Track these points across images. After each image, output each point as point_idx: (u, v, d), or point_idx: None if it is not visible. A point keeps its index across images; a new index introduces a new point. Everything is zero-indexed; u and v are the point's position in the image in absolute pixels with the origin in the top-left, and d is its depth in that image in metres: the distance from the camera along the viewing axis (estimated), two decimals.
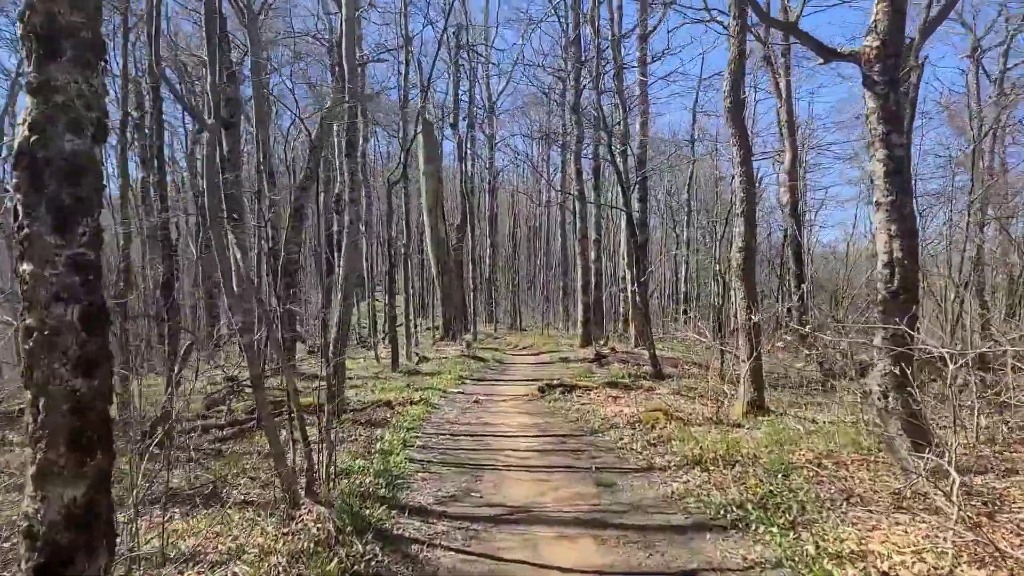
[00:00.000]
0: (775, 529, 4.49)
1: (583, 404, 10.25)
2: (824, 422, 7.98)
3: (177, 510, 5.64)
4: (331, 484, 5.51)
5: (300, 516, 4.97)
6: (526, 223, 50.08)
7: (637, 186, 20.83)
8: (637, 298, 18.27)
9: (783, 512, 4.78)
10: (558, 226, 39.03)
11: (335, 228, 24.38)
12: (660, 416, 7.93)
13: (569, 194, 20.25)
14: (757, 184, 21.21)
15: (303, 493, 5.19)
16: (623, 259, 27.84)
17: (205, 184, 5.68)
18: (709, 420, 8.12)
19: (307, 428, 5.70)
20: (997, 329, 10.36)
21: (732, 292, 10.19)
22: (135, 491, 4.28)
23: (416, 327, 21.77)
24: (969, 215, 12.56)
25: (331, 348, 8.59)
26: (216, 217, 4.89)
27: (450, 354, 18.67)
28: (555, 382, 12.10)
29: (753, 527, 4.60)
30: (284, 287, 13.78)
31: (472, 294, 24.33)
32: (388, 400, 10.17)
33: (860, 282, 26.70)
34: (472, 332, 23.52)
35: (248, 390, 11.53)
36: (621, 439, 7.66)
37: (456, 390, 12.43)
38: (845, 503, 4.86)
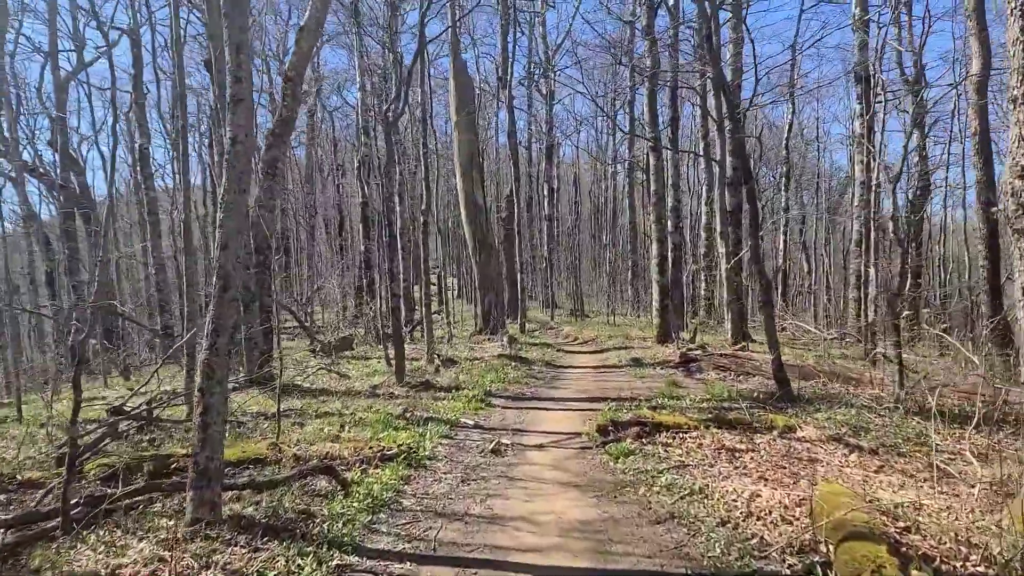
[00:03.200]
0: None
1: (677, 471, 5.74)
2: None
3: None
4: None
5: None
6: (589, 196, 45.23)
7: (730, 131, 15.90)
8: (736, 275, 13.53)
9: None
10: (625, 196, 34.11)
11: (359, 199, 20.59)
12: (883, 556, 3.35)
13: (645, 139, 15.51)
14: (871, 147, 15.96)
15: None
16: (706, 232, 22.89)
17: None
18: (985, 559, 3.51)
19: None
20: None
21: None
22: None
23: (450, 318, 17.66)
24: None
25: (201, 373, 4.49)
26: None
27: (487, 353, 14.47)
28: (625, 414, 7.64)
29: None
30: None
31: (521, 275, 20.00)
32: (336, 458, 6.02)
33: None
34: (520, 323, 19.24)
35: (152, 424, 7.71)
36: None
37: (472, 421, 8.18)
38: None
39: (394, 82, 10.85)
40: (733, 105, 9.06)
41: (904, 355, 10.49)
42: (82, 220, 18.51)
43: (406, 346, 16.21)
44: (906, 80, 22.09)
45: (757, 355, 11.57)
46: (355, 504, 4.98)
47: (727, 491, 5.05)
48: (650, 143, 15.66)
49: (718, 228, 14.74)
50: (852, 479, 5.28)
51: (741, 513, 4.59)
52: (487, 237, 16.88)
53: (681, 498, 5.02)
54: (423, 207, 13.19)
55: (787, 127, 24.50)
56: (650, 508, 4.90)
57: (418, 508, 5.09)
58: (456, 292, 39.99)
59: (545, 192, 30.58)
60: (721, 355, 11.57)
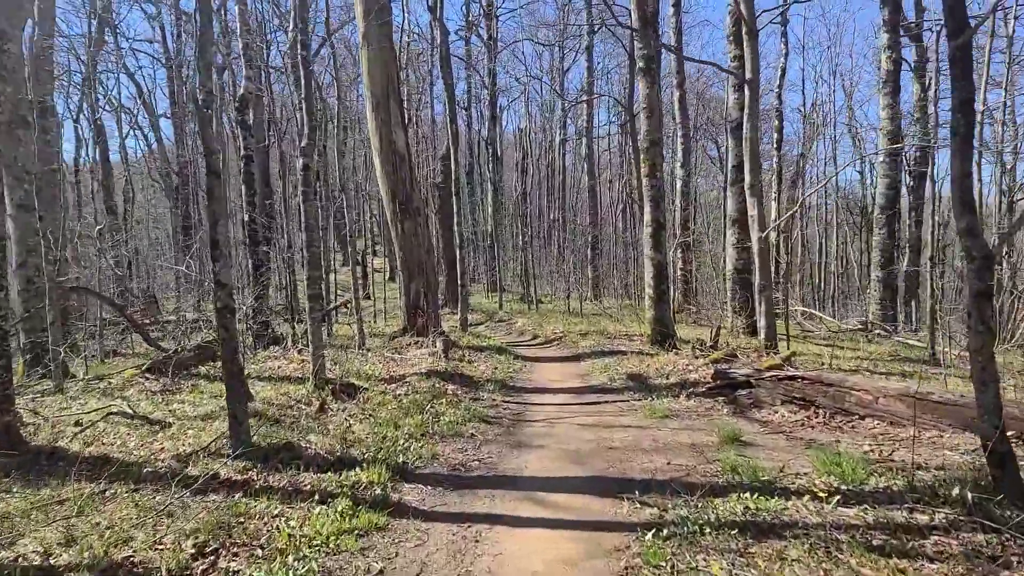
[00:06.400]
0: None
1: None
2: None
3: None
4: None
5: None
6: (535, 166, 40.62)
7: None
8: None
9: None
10: (582, 160, 29.67)
11: (241, 152, 15.12)
12: None
13: (632, 30, 10.81)
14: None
15: None
16: (682, 198, 18.80)
17: None
18: None
19: None
20: None
21: None
22: None
23: (359, 312, 12.65)
24: None
25: None
26: None
27: (411, 368, 9.70)
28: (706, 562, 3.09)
29: None
30: None
31: (462, 253, 15.15)
32: None
33: None
34: (460, 317, 14.50)
35: None
36: None
37: None
38: None
39: None
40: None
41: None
42: None
43: (296, 355, 11.26)
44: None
45: (833, 374, 7.27)
46: None
47: None
48: (640, 60, 11.04)
49: (747, 179, 10.35)
50: None
51: None
52: (412, 198, 11.91)
53: None
54: (302, 142, 8.25)
55: (779, 70, 20.32)
56: None
57: None
58: (388, 275, 34.76)
59: (488, 154, 25.77)
60: (786, 377, 7.16)
